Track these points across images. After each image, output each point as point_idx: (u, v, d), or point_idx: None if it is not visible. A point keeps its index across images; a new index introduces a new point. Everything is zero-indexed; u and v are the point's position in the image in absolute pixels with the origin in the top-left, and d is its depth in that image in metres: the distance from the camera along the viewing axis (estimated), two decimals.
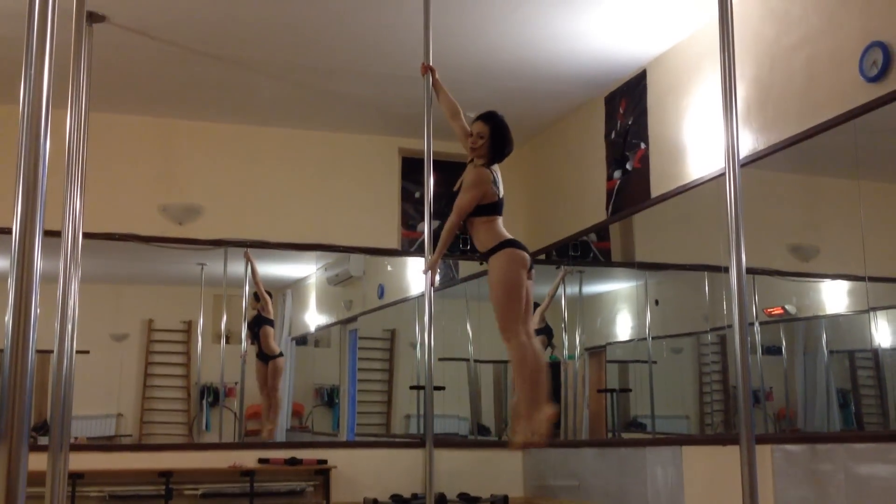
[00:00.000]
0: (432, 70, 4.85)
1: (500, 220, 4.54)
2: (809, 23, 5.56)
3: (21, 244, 1.91)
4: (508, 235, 4.52)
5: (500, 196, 4.52)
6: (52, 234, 3.53)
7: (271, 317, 8.78)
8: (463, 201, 4.46)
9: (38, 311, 1.92)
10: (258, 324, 8.72)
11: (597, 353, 8.30)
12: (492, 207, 4.48)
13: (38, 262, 1.93)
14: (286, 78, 7.49)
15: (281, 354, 8.81)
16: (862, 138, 5.21)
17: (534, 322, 8.75)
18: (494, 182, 4.48)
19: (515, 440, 4.53)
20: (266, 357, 8.75)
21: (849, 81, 5.18)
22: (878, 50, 4.96)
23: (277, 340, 9.01)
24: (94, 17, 5.94)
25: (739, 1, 5.48)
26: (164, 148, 8.34)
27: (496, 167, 4.57)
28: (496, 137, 4.55)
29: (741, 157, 4.03)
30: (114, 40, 6.39)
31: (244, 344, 8.65)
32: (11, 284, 1.91)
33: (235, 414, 8.68)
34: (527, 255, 4.49)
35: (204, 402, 8.78)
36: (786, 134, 5.68)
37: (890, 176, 5.45)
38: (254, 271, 8.57)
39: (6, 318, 1.90)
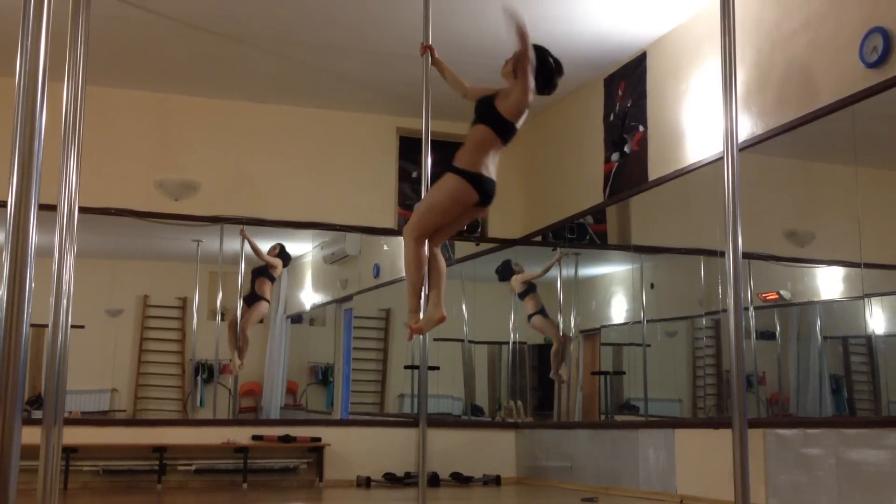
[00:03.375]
0: (431, 49, 4.80)
1: (493, 147, 4.39)
2: (810, 8, 5.54)
3: (16, 217, 1.90)
4: (480, 168, 4.29)
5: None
6: (48, 208, 3.51)
7: (275, 276, 8.77)
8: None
9: (33, 285, 1.91)
10: (260, 272, 8.71)
11: (591, 335, 8.31)
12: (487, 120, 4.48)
13: (34, 236, 1.92)
14: (284, 54, 7.45)
15: (268, 301, 8.78)
16: (861, 124, 5.20)
17: (515, 287, 8.76)
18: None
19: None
20: (254, 298, 8.69)
21: (849, 67, 5.16)
22: (879, 36, 4.95)
23: (272, 318, 9.02)
24: None
25: None
26: (160, 123, 8.31)
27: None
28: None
29: (739, 142, 4.01)
30: (111, 13, 6.35)
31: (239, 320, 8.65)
32: (6, 258, 1.90)
33: (230, 391, 8.69)
34: (472, 195, 4.24)
35: (198, 378, 8.79)
36: (785, 119, 5.67)
37: (888, 163, 5.44)
38: (252, 246, 8.56)
39: (1, 292, 1.89)
